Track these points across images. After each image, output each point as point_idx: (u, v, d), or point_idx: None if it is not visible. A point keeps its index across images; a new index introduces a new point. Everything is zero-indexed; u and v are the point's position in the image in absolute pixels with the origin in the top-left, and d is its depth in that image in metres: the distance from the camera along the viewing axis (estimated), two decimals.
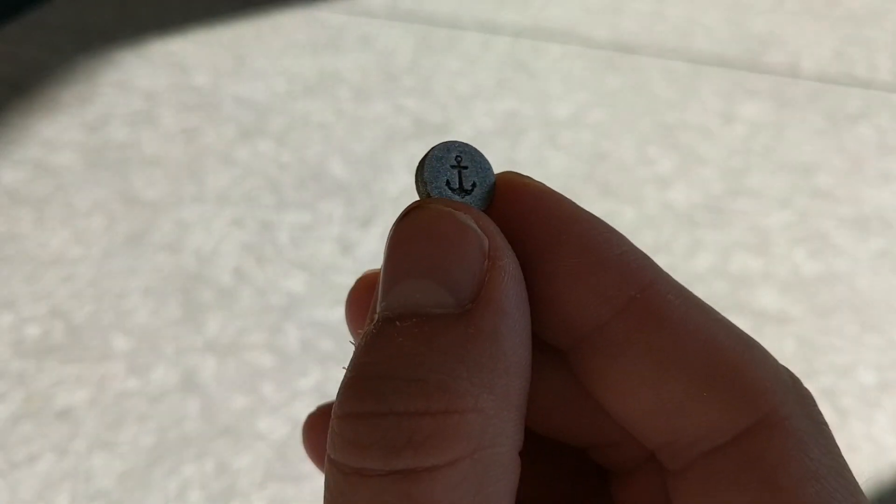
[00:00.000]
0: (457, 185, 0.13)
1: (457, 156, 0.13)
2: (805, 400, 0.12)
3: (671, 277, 0.13)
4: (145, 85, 0.92)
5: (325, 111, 0.87)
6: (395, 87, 0.91)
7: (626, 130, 0.84)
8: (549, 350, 0.14)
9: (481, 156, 0.13)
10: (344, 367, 0.12)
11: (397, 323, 0.11)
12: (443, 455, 0.11)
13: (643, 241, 0.69)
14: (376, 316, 0.12)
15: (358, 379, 0.11)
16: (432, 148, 0.13)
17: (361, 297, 0.16)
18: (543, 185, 0.13)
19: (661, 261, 0.65)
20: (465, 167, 0.13)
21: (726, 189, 0.76)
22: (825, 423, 0.12)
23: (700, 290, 0.64)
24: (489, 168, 0.13)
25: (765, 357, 0.12)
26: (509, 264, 0.12)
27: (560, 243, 0.13)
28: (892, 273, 0.66)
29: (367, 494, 0.11)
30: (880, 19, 1.07)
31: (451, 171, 0.13)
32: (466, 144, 0.13)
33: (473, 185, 0.13)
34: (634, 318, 0.12)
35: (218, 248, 0.69)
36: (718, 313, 0.13)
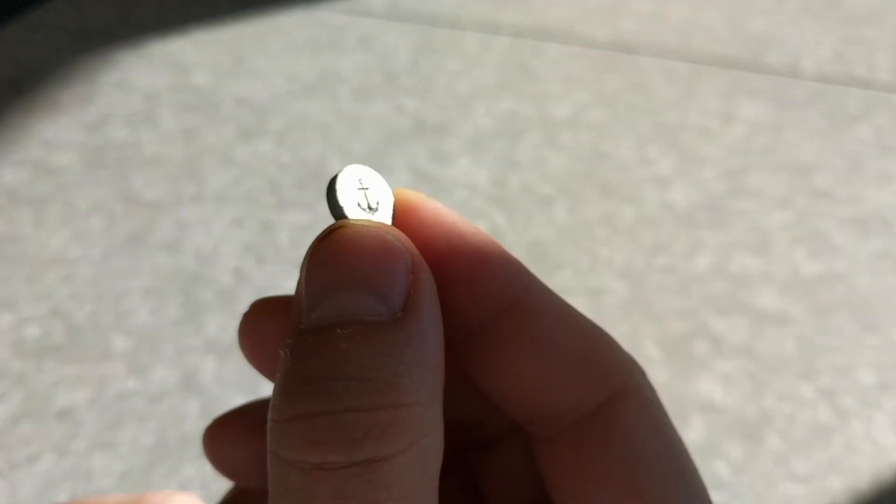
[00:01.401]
0: (366, 206, 0.15)
1: (360, 178, 0.15)
2: (643, 373, 0.16)
3: (539, 280, 0.15)
4: (145, 85, 0.92)
5: (325, 111, 0.87)
6: (395, 87, 0.91)
7: (625, 130, 0.84)
8: None
9: (378, 177, 0.15)
10: None
11: (338, 330, 0.13)
12: (396, 444, 0.12)
13: (643, 241, 0.69)
14: (303, 327, 0.13)
15: (306, 382, 0.13)
16: (337, 173, 0.15)
17: (256, 322, 0.17)
18: (436, 202, 0.16)
19: (661, 261, 0.65)
20: (368, 188, 0.15)
21: (726, 189, 0.76)
22: (655, 389, 0.16)
23: (700, 290, 0.64)
24: (387, 187, 0.15)
25: (613, 341, 0.16)
26: (427, 276, 0.14)
27: (456, 255, 0.15)
28: (892, 273, 0.66)
29: (329, 486, 0.12)
30: (880, 19, 1.07)
31: (358, 193, 0.15)
32: (364, 167, 0.15)
33: (378, 203, 0.15)
34: (519, 315, 0.15)
35: (218, 248, 0.69)
36: (575, 308, 0.16)
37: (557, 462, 0.15)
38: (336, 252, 0.13)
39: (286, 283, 0.65)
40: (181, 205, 0.74)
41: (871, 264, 0.67)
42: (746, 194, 0.75)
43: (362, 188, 0.15)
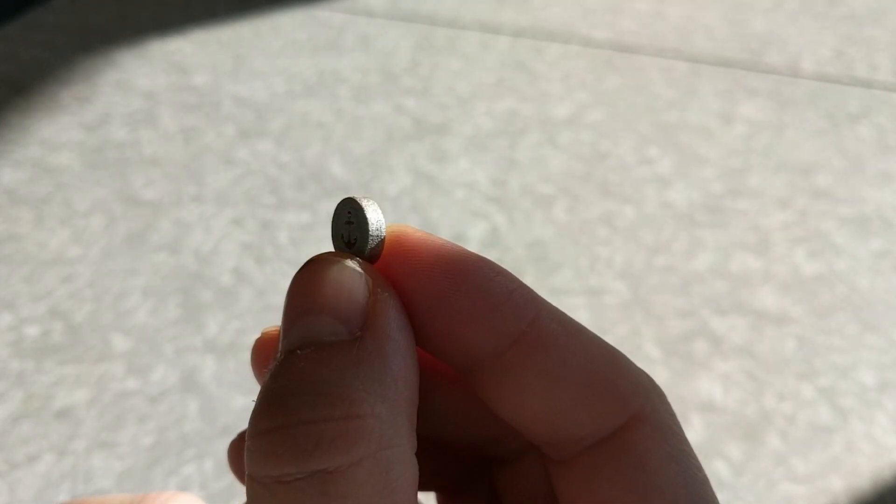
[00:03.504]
0: (348, 240, 0.16)
1: (348, 211, 0.16)
2: (662, 396, 0.16)
3: (552, 306, 0.16)
4: (145, 85, 0.92)
5: (325, 111, 0.87)
6: (394, 87, 0.91)
7: (625, 130, 0.84)
8: (439, 372, 0.17)
9: (364, 212, 0.16)
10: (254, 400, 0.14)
11: (298, 351, 0.14)
12: (349, 455, 0.12)
13: (643, 241, 0.69)
14: (279, 354, 0.14)
15: (267, 400, 0.13)
16: (337, 204, 0.16)
17: (263, 351, 0.18)
18: (435, 237, 0.16)
19: (661, 261, 0.64)
20: (352, 223, 0.16)
21: (726, 189, 0.76)
22: (674, 414, 0.16)
23: (700, 290, 0.64)
24: (367, 224, 0.16)
25: (629, 365, 0.15)
26: (389, 298, 0.15)
27: (457, 290, 0.15)
28: (892, 273, 0.66)
29: (286, 499, 0.13)
30: (880, 19, 1.07)
31: (345, 227, 0.16)
32: (355, 201, 0.16)
33: (356, 239, 0.16)
34: (525, 348, 0.15)
35: (217, 248, 0.69)
36: (590, 332, 0.16)
37: (571, 486, 0.16)
38: (302, 281, 0.15)
39: (286, 283, 0.65)
40: (181, 205, 0.74)
41: (872, 264, 0.67)
42: (746, 194, 0.75)
43: (348, 222, 0.16)
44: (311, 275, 0.15)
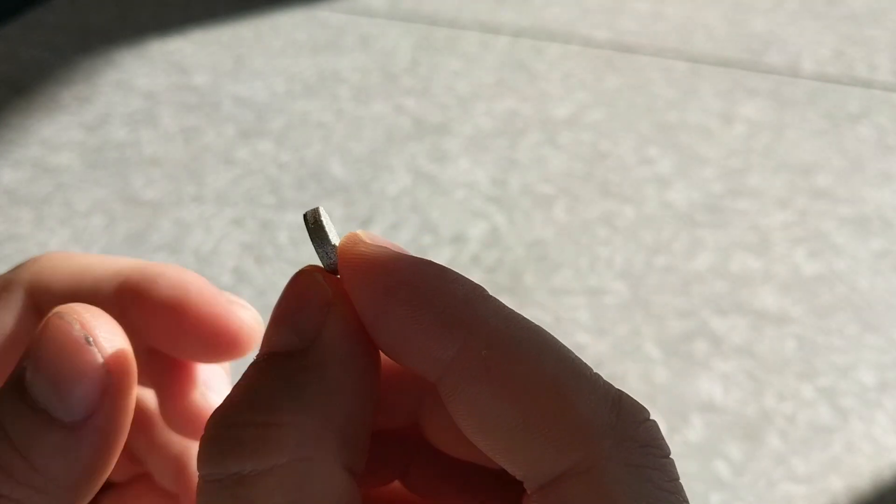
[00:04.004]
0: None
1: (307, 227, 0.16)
2: (625, 441, 0.13)
3: (494, 322, 0.13)
4: (145, 85, 0.92)
5: (325, 111, 0.87)
6: (394, 87, 0.91)
7: (625, 130, 0.84)
8: None
9: (313, 228, 0.16)
10: None
11: (252, 362, 0.14)
12: (263, 461, 0.13)
13: (643, 241, 0.69)
14: None
15: (217, 409, 0.14)
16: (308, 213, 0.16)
17: None
18: (384, 248, 0.15)
19: (661, 261, 0.64)
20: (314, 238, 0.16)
21: (726, 189, 0.76)
22: (648, 465, 0.13)
23: (700, 290, 0.64)
24: (316, 240, 0.16)
25: (584, 397, 0.13)
26: (344, 311, 0.14)
27: (389, 306, 0.14)
28: (892, 273, 0.66)
29: (206, 498, 0.13)
30: (880, 19, 1.07)
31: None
32: (306, 217, 0.16)
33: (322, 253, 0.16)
34: (457, 373, 0.13)
35: (217, 247, 0.69)
36: (541, 352, 0.13)
37: None
38: (282, 293, 0.15)
39: (285, 282, 0.65)
40: (181, 205, 0.74)
41: (872, 264, 0.67)
42: (746, 194, 0.75)
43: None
44: (287, 287, 0.15)
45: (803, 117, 0.86)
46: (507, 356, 0.13)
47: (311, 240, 0.16)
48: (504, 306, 0.14)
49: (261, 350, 0.15)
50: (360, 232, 0.15)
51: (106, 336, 0.16)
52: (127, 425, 0.16)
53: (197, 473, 0.14)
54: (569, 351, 0.14)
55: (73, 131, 0.84)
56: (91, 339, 0.15)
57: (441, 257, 0.67)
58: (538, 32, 1.03)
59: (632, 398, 0.13)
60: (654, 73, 0.95)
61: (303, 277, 0.15)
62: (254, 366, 0.14)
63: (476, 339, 0.13)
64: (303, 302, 0.14)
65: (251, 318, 0.19)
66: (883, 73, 0.94)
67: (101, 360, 0.15)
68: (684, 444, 0.53)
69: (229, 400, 0.14)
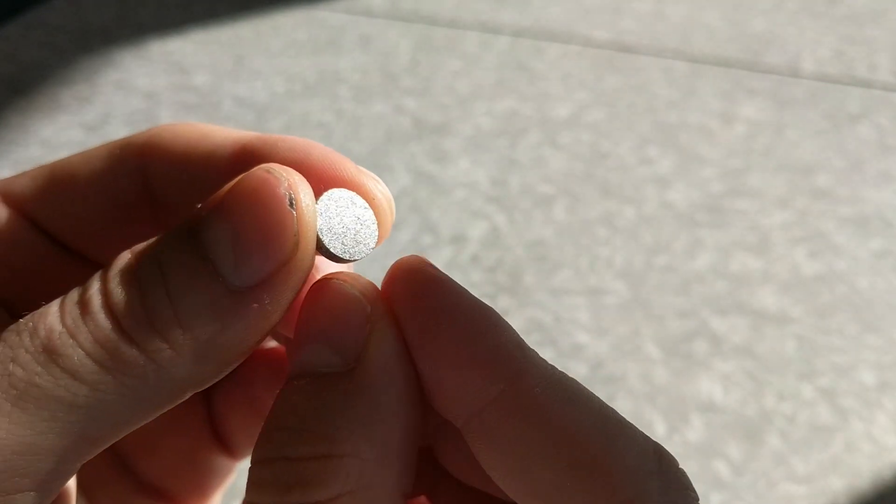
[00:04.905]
0: (342, 239, 0.15)
1: (345, 205, 0.15)
2: (671, 485, 0.13)
3: (546, 367, 0.14)
4: (145, 85, 0.92)
5: (325, 111, 0.87)
6: (394, 87, 0.91)
7: (625, 130, 0.84)
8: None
9: (371, 217, 0.15)
10: None
11: (294, 382, 0.14)
12: (324, 492, 0.12)
13: (643, 241, 0.69)
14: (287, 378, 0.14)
15: (262, 431, 0.13)
16: (327, 195, 0.15)
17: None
18: (436, 271, 0.15)
19: (661, 261, 0.64)
20: (346, 221, 0.15)
21: (726, 189, 0.76)
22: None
23: (700, 290, 0.64)
24: (374, 236, 0.15)
25: (630, 443, 0.13)
26: (388, 329, 0.14)
27: (440, 333, 0.14)
28: (892, 273, 0.66)
29: None
30: (880, 19, 1.07)
31: (338, 221, 0.15)
32: (358, 198, 0.15)
33: (347, 242, 0.15)
34: (502, 410, 0.13)
35: None
36: (589, 400, 0.13)
37: None
38: (306, 307, 0.14)
39: None
40: None
41: (872, 264, 0.67)
42: (746, 194, 0.75)
43: (343, 218, 0.15)
44: (314, 300, 0.14)
45: (803, 117, 0.86)
46: (561, 397, 0.13)
47: (352, 228, 0.15)
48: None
49: (294, 368, 0.14)
50: (417, 256, 0.15)
51: (308, 203, 0.14)
52: (277, 321, 0.14)
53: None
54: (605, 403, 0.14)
55: (73, 131, 0.84)
56: (294, 203, 0.14)
57: (441, 257, 0.67)
58: (538, 32, 1.03)
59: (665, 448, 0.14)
60: (654, 73, 0.95)
61: (335, 292, 0.14)
62: (295, 388, 0.13)
63: (529, 378, 0.13)
64: (341, 319, 0.14)
65: (383, 192, 0.16)
66: (883, 73, 0.94)
67: (295, 229, 0.14)
68: (684, 444, 0.53)
69: (278, 424, 0.13)
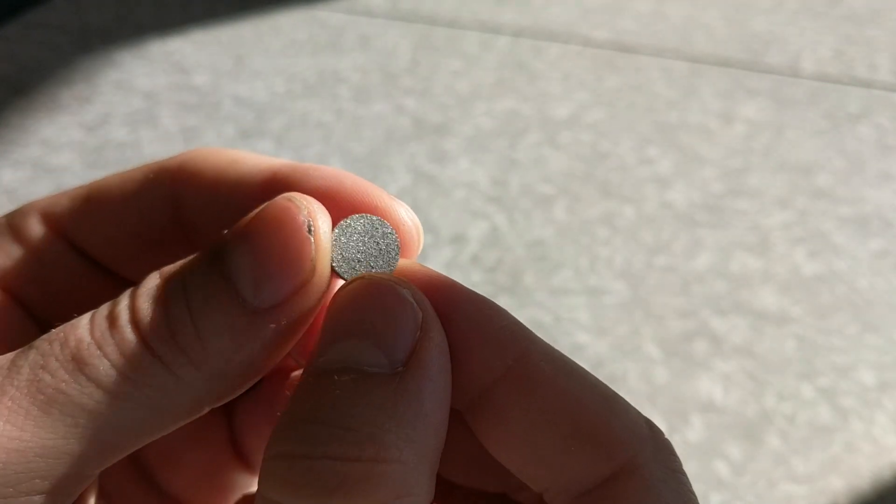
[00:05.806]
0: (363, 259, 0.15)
1: (370, 230, 0.16)
2: (661, 449, 0.14)
3: (546, 345, 0.15)
4: (145, 85, 0.92)
5: (325, 111, 0.87)
6: (394, 87, 0.91)
7: (625, 130, 0.84)
8: (456, 414, 0.16)
9: (392, 234, 0.16)
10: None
11: (336, 377, 0.13)
12: (368, 499, 0.12)
13: (643, 241, 0.69)
14: (310, 369, 0.14)
15: (295, 423, 0.13)
16: (349, 221, 0.16)
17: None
18: (434, 272, 0.15)
19: (661, 261, 0.64)
20: (368, 244, 0.16)
21: (726, 189, 0.76)
22: (680, 471, 0.14)
23: (700, 290, 0.64)
24: (396, 249, 0.16)
25: (625, 412, 0.14)
26: (437, 335, 0.14)
27: (448, 320, 0.14)
28: (892, 273, 0.66)
29: None
30: (880, 19, 1.07)
31: (358, 245, 0.15)
32: (384, 223, 0.16)
33: (372, 257, 0.16)
34: (511, 385, 0.14)
35: None
36: (586, 374, 0.15)
37: None
38: (350, 300, 0.14)
39: None
40: None
41: (872, 264, 0.67)
42: (746, 194, 0.75)
43: (365, 242, 0.15)
44: (360, 294, 0.14)
45: (803, 117, 0.86)
46: (564, 370, 0.14)
47: (376, 247, 0.15)
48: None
49: (332, 361, 0.14)
50: (410, 260, 0.16)
51: (325, 231, 0.15)
52: (293, 341, 0.15)
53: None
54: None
55: (73, 131, 0.84)
56: (312, 230, 0.14)
57: (441, 257, 0.67)
58: (538, 32, 1.03)
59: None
60: (654, 73, 0.95)
61: (389, 292, 0.14)
62: (338, 385, 0.13)
63: (536, 352, 0.14)
64: (394, 321, 0.14)
65: (412, 218, 0.17)
66: (883, 73, 0.94)
67: (313, 254, 0.14)
68: (684, 443, 0.53)
69: (310, 417, 0.13)
